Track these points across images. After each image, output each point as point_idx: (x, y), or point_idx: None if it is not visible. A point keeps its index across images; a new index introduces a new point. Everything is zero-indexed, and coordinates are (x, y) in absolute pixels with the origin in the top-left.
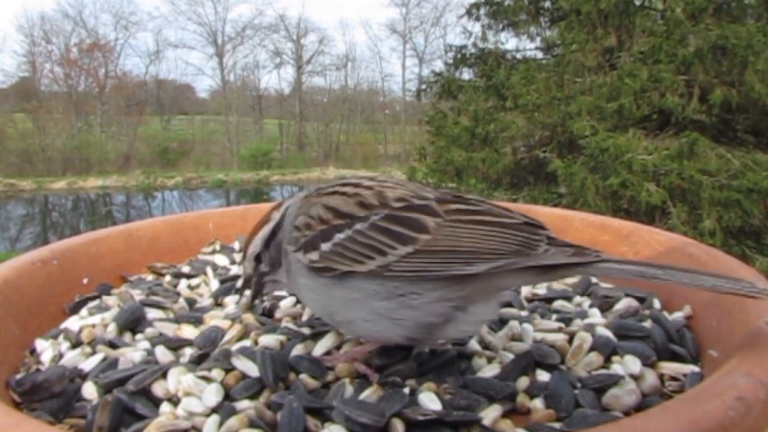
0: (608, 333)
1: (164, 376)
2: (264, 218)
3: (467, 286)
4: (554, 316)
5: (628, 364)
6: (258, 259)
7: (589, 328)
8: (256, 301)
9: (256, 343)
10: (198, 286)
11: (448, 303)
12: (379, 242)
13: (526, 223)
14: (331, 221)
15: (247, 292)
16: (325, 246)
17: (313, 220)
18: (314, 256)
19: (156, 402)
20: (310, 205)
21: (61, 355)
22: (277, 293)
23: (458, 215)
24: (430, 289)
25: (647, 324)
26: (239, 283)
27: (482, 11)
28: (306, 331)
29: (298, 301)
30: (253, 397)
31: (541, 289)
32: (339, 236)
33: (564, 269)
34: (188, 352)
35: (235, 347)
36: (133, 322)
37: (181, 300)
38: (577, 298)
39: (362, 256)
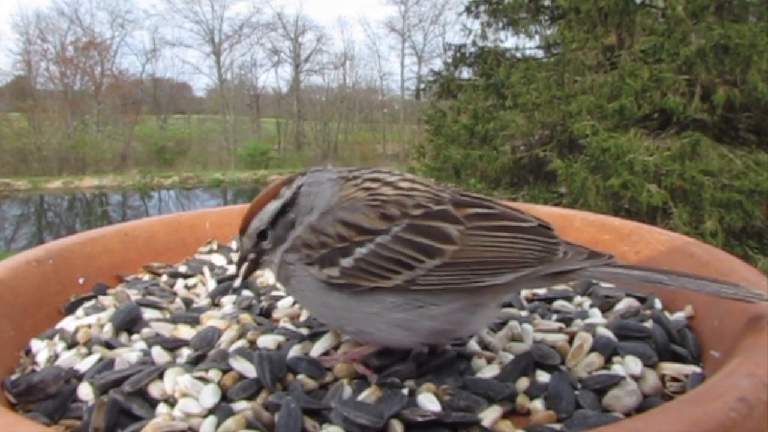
0: (609, 333)
1: (161, 376)
2: (270, 193)
3: (484, 294)
4: (554, 317)
5: (629, 365)
6: (262, 235)
7: (590, 328)
8: (249, 279)
9: (253, 343)
10: (195, 285)
11: (464, 311)
12: (405, 255)
13: (540, 226)
14: (353, 238)
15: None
16: (346, 262)
17: (329, 238)
18: (333, 272)
19: (152, 403)
20: (328, 214)
21: (56, 356)
22: (274, 293)
23: (478, 221)
24: (451, 300)
25: (648, 324)
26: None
27: (482, 9)
28: (304, 331)
29: (296, 302)
30: (251, 398)
31: (542, 289)
32: (360, 251)
33: (575, 273)
34: (185, 352)
35: (232, 348)
36: (129, 323)
37: (178, 300)
38: (578, 298)
39: (388, 271)
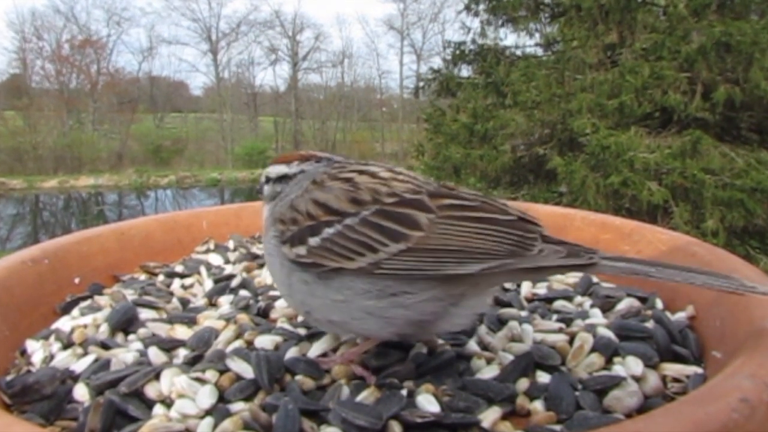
0: (610, 334)
1: (157, 377)
2: (287, 158)
3: (460, 285)
4: (555, 317)
5: (629, 366)
6: (263, 184)
7: (590, 328)
8: (247, 279)
9: (250, 344)
10: (191, 285)
11: (441, 302)
12: (370, 238)
13: (521, 219)
14: (320, 217)
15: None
16: (313, 241)
17: (300, 215)
18: (301, 250)
19: (149, 404)
20: (305, 194)
21: (52, 356)
22: (272, 293)
23: (451, 211)
24: (424, 289)
25: (649, 324)
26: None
27: (481, 7)
28: (302, 332)
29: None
30: (248, 398)
31: (542, 289)
32: (328, 231)
33: (553, 269)
34: (182, 353)
35: (229, 348)
36: (125, 323)
37: (175, 300)
38: (578, 298)
39: (351, 252)
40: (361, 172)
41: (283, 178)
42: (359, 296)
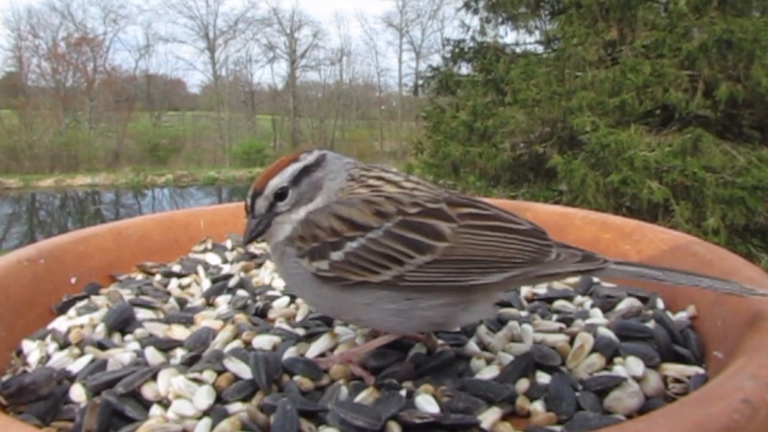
0: (610, 334)
1: (154, 378)
2: (288, 158)
3: (475, 292)
4: (555, 317)
5: (630, 366)
6: (281, 196)
7: (591, 328)
8: (245, 278)
9: (248, 344)
10: (189, 285)
11: (453, 307)
12: (395, 250)
13: (534, 229)
14: (344, 233)
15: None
16: (336, 255)
17: (321, 231)
18: (323, 265)
19: (146, 405)
20: (327, 207)
21: (48, 357)
22: (270, 293)
23: (471, 220)
24: (438, 296)
25: (650, 324)
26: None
27: (481, 4)
28: (300, 332)
29: (291, 302)
30: (246, 399)
31: (542, 289)
32: (351, 245)
33: (569, 273)
34: (179, 353)
35: (227, 348)
36: (122, 323)
37: (172, 300)
38: (579, 298)
39: (377, 266)
40: (386, 181)
41: (307, 169)
42: (380, 300)
